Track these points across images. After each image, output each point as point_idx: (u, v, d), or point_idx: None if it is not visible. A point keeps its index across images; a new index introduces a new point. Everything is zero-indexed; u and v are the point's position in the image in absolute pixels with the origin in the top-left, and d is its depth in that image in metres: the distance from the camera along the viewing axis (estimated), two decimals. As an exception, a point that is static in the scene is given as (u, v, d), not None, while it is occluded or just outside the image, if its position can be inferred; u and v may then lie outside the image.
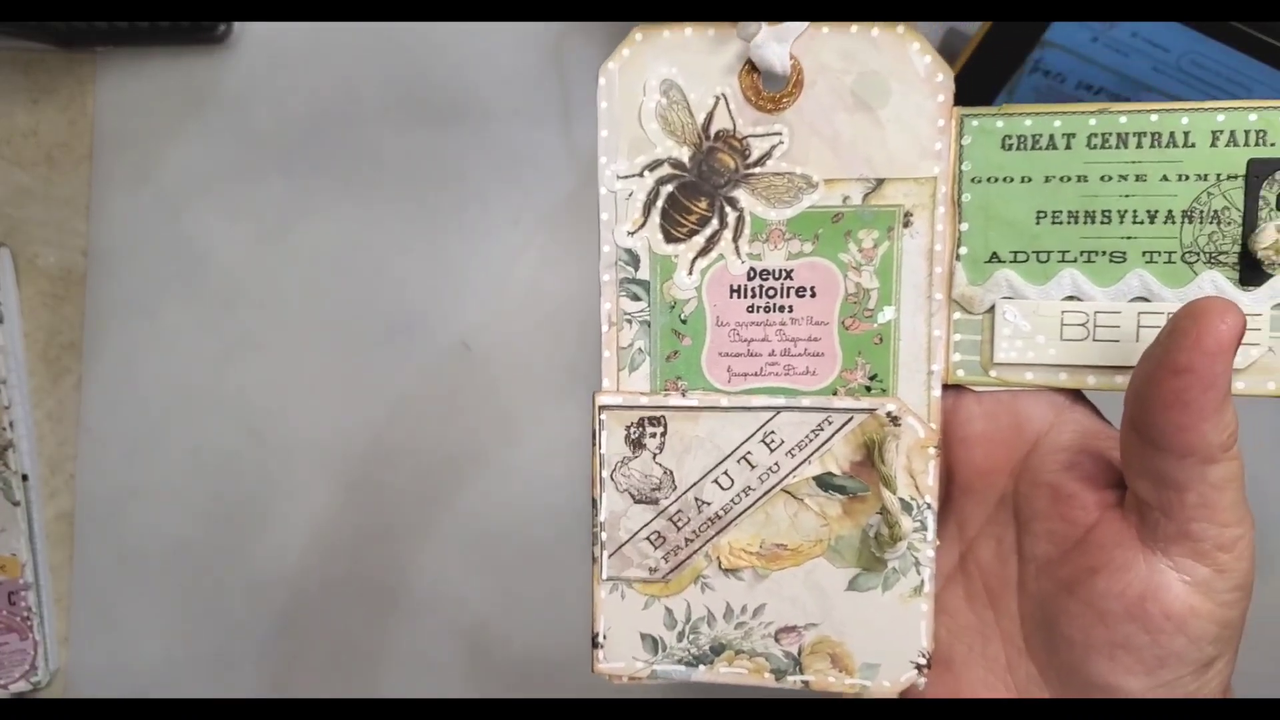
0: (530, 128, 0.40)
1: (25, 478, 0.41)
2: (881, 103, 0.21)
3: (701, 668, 0.23)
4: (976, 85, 0.31)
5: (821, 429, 0.22)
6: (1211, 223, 0.20)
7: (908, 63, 0.21)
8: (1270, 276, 0.20)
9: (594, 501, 0.23)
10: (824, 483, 0.22)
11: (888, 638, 0.22)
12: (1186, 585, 0.19)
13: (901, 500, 0.22)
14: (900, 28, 0.21)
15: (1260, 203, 0.20)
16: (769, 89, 0.22)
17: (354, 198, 0.40)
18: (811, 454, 0.22)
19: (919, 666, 0.22)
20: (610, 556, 0.23)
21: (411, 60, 0.40)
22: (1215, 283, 0.21)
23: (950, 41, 0.36)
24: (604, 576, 0.23)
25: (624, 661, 0.23)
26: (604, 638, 0.23)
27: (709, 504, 0.22)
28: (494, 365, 0.40)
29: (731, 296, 0.22)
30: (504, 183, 0.40)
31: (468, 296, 0.40)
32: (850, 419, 0.22)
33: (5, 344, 0.40)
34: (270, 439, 0.41)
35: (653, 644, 0.23)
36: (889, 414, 0.22)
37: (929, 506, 0.22)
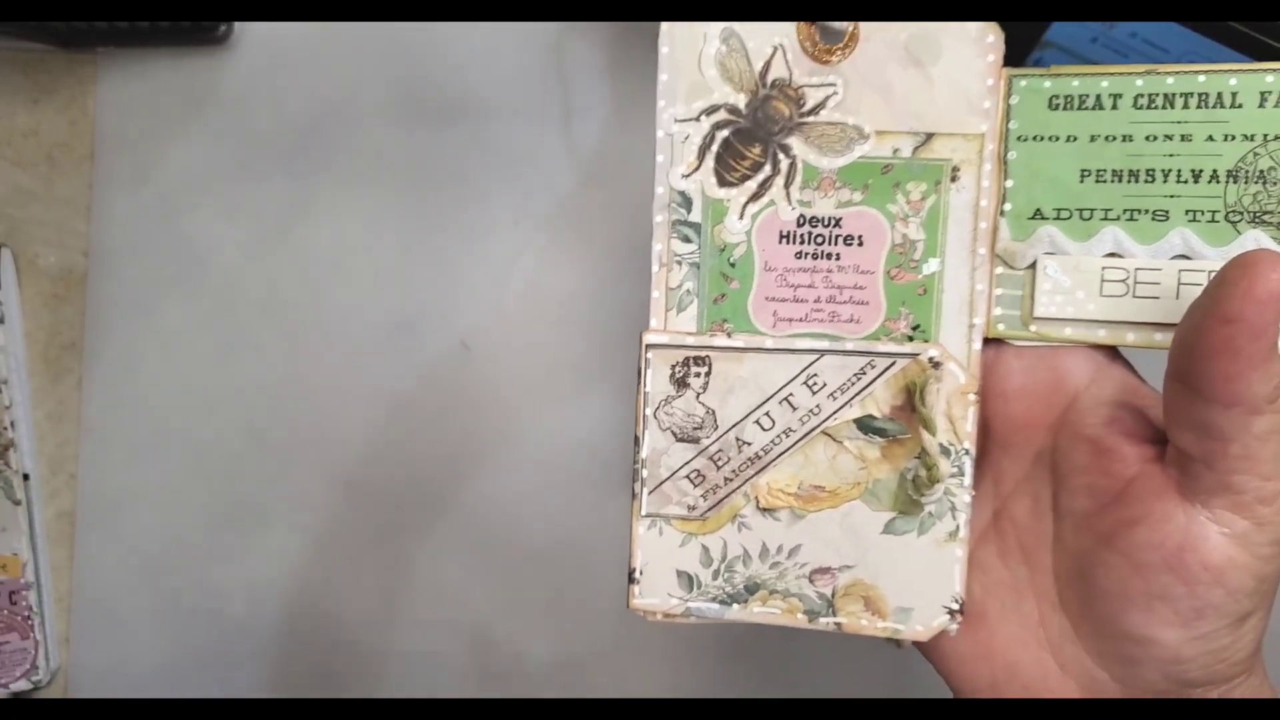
0: (530, 128, 0.40)
1: (26, 477, 0.41)
2: (933, 59, 0.22)
3: (735, 606, 0.23)
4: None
5: (864, 373, 0.22)
6: (1257, 182, 0.21)
7: (960, 23, 0.22)
8: (1312, 237, 0.21)
9: (636, 439, 0.23)
10: (864, 425, 0.22)
11: (921, 582, 0.22)
12: (1225, 537, 0.20)
13: (940, 445, 0.22)
14: (954, -12, 0.22)
15: (1304, 163, 0.21)
16: (826, 41, 0.22)
17: (354, 198, 0.40)
18: (853, 397, 0.22)
19: (951, 612, 0.22)
20: (650, 493, 0.23)
21: (411, 60, 0.40)
22: (1259, 241, 0.21)
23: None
24: (643, 513, 0.23)
25: (659, 598, 0.23)
26: (640, 574, 0.23)
27: (749, 444, 0.23)
28: (494, 365, 0.41)
29: (780, 242, 0.23)
30: (504, 183, 0.40)
31: (468, 296, 0.40)
32: (893, 363, 0.22)
33: (6, 344, 0.40)
34: (270, 439, 0.41)
35: (688, 581, 0.23)
36: (931, 359, 0.22)
37: (967, 452, 0.22)
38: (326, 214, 0.41)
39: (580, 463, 0.41)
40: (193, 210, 0.41)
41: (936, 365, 0.22)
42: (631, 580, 0.23)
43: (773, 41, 0.22)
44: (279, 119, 0.41)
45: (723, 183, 0.23)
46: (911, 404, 0.22)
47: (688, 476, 0.23)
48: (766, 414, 0.23)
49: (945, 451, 0.22)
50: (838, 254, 0.23)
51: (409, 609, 0.42)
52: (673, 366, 0.23)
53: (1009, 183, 0.22)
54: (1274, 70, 0.21)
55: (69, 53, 0.41)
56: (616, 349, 0.40)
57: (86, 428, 0.42)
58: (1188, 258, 0.21)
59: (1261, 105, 0.21)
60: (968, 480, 0.22)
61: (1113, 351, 0.23)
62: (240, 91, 0.41)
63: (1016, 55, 0.32)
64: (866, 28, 0.22)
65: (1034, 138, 0.22)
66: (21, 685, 0.41)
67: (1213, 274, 0.21)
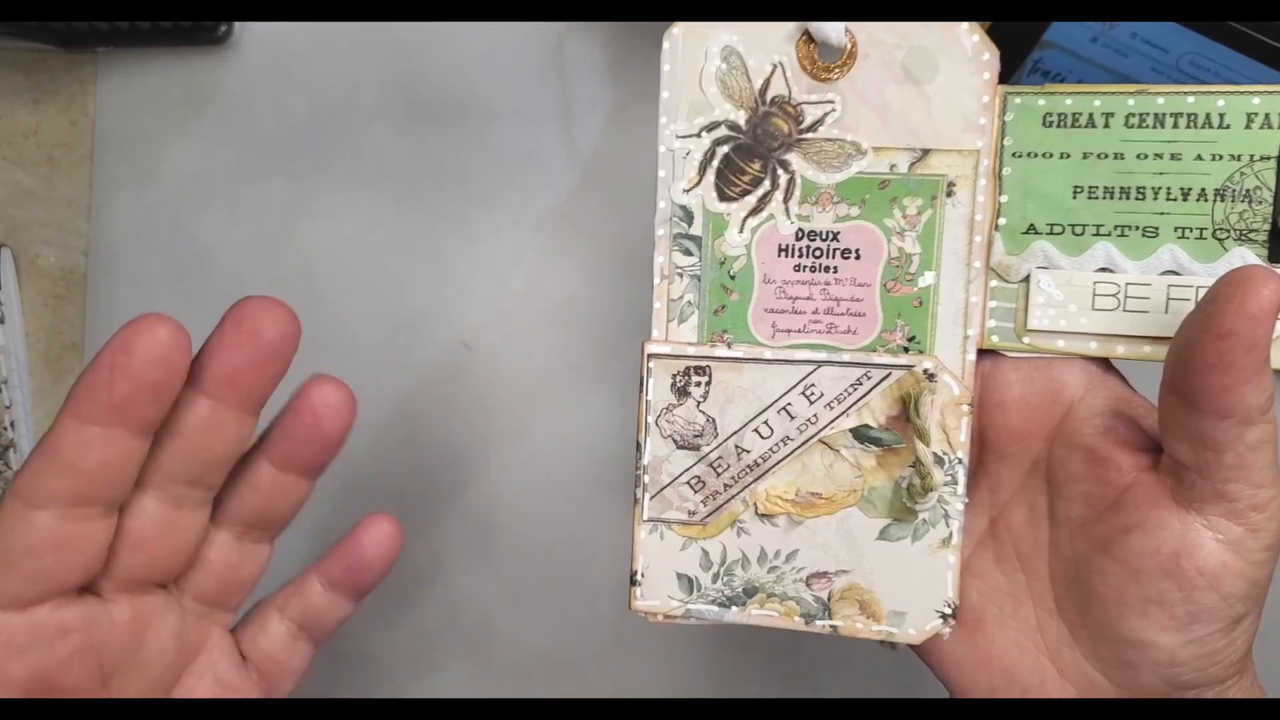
0: (530, 128, 0.40)
1: None
2: (930, 77, 0.23)
3: (734, 609, 0.24)
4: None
5: (860, 383, 0.23)
6: (1243, 201, 0.22)
7: (956, 40, 0.22)
8: (1297, 254, 0.21)
9: (638, 445, 0.24)
10: (860, 435, 0.23)
11: (915, 587, 0.23)
12: (1220, 543, 0.20)
13: (934, 454, 0.23)
14: (951, 7, 0.22)
15: (1290, 183, 0.21)
16: (824, 59, 0.23)
17: (355, 198, 0.40)
18: (849, 407, 0.23)
19: (944, 616, 0.23)
20: (651, 498, 0.24)
21: (411, 60, 0.40)
22: (1244, 259, 0.22)
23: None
24: (644, 518, 0.24)
25: (660, 600, 0.24)
26: (642, 576, 0.24)
27: (748, 452, 0.23)
28: (494, 365, 0.41)
29: (779, 255, 0.23)
30: (504, 183, 0.40)
31: (468, 296, 0.40)
32: (888, 375, 0.23)
33: (7, 344, 0.40)
34: None
35: (688, 584, 0.24)
36: (925, 371, 0.23)
37: (960, 462, 0.23)
38: (327, 214, 0.41)
39: (580, 463, 0.41)
40: (193, 210, 0.41)
41: (931, 377, 0.23)
42: (633, 582, 0.24)
43: (772, 59, 0.23)
44: (279, 119, 0.41)
45: (723, 197, 0.23)
46: (906, 414, 0.23)
47: (688, 483, 0.24)
48: (765, 423, 0.23)
49: (939, 461, 0.23)
50: (835, 267, 0.23)
51: (408, 608, 0.42)
52: (674, 376, 0.24)
53: (1003, 198, 0.23)
54: (1261, 92, 0.21)
55: (69, 53, 0.40)
56: (617, 349, 0.40)
57: (86, 428, 0.42)
58: (1176, 274, 0.22)
59: (1248, 126, 0.21)
60: (961, 489, 0.23)
61: (1106, 363, 0.23)
62: (240, 91, 0.41)
63: (1016, 55, 0.32)
64: (863, 45, 0.23)
65: (1028, 154, 0.23)
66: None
67: (1200, 289, 0.22)
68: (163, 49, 0.40)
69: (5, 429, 0.40)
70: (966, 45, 0.22)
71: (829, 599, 0.23)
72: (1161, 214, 0.22)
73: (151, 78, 0.41)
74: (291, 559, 0.42)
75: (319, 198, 0.41)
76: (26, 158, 0.41)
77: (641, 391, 0.24)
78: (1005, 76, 0.33)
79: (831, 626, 0.23)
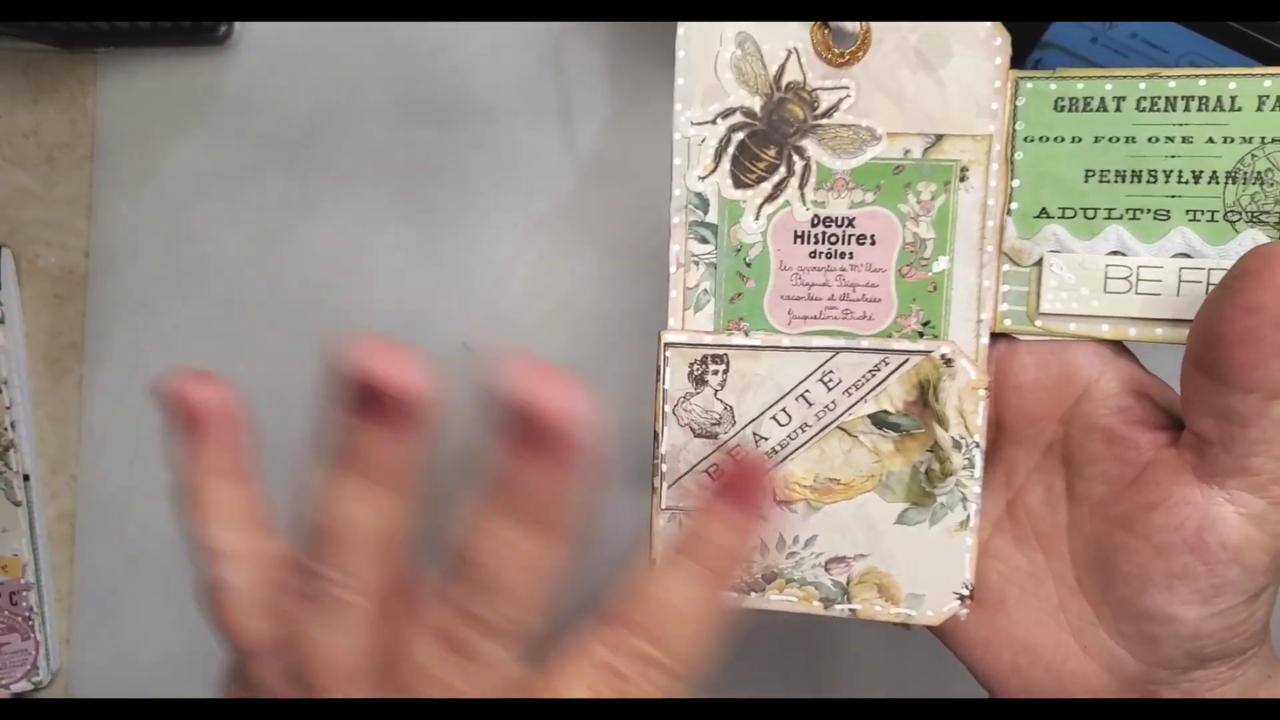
0: (530, 129, 0.40)
1: (27, 478, 0.41)
2: (943, 62, 0.23)
3: (753, 595, 0.24)
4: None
5: (878, 369, 0.23)
6: (1254, 183, 0.22)
7: (968, 25, 0.22)
8: (1307, 236, 0.22)
9: (655, 435, 0.24)
10: (878, 420, 0.23)
11: (933, 570, 0.23)
12: (1242, 517, 0.21)
13: (952, 438, 0.23)
14: (963, -8, 0.22)
15: (1300, 165, 0.21)
16: (839, 45, 0.23)
17: (354, 198, 0.41)
18: (868, 393, 0.23)
19: (962, 598, 0.23)
20: (670, 487, 0.24)
21: (411, 60, 0.40)
22: (1256, 240, 0.22)
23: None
24: (663, 506, 0.24)
25: (679, 589, 0.24)
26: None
27: (766, 439, 0.24)
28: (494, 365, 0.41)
29: (795, 242, 0.23)
30: (504, 183, 0.40)
31: (468, 297, 0.41)
32: (906, 360, 0.23)
33: (7, 344, 0.40)
34: (270, 439, 0.42)
35: (708, 572, 0.24)
36: (943, 356, 0.23)
37: (977, 445, 0.23)
38: (327, 214, 0.41)
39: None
40: (193, 210, 0.41)
41: (949, 362, 0.23)
42: (652, 572, 0.24)
43: (787, 45, 0.23)
44: (279, 119, 0.41)
45: (738, 184, 0.23)
46: (924, 399, 0.23)
47: (706, 471, 0.24)
48: (783, 410, 0.23)
49: (957, 445, 0.23)
50: (851, 253, 0.23)
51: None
52: (691, 364, 0.24)
53: (1016, 182, 0.23)
54: (1272, 75, 0.21)
55: (69, 53, 0.40)
56: (617, 349, 0.40)
57: (87, 428, 0.42)
58: (1188, 256, 0.22)
59: (1259, 109, 0.21)
60: (978, 472, 0.23)
61: (1118, 345, 0.23)
62: (240, 91, 0.41)
63: (1016, 56, 0.32)
64: (878, 31, 0.23)
65: (1040, 139, 0.23)
66: (22, 686, 0.41)
67: (1212, 271, 0.22)
68: (163, 49, 0.40)
69: (5, 429, 0.40)
70: (979, 29, 0.23)
71: (848, 583, 0.24)
72: (1173, 197, 0.22)
73: (151, 78, 0.41)
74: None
75: (319, 198, 0.41)
76: (26, 158, 0.41)
77: (658, 380, 0.24)
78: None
79: (850, 610, 0.24)
